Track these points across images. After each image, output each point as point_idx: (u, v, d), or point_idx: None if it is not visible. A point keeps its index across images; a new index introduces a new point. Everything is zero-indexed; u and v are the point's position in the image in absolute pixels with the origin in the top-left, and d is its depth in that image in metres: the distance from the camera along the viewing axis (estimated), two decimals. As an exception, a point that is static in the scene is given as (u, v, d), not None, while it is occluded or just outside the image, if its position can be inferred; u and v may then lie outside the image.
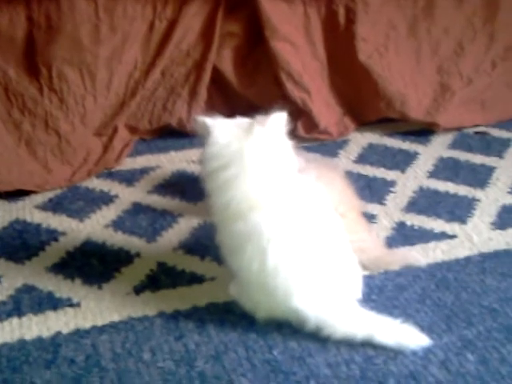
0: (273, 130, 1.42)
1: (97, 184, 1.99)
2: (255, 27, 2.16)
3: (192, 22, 2.10)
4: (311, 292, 1.39)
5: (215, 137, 1.42)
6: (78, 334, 1.44)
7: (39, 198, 1.91)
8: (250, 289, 1.44)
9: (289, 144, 1.46)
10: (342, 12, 2.17)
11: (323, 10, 2.18)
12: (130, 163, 2.10)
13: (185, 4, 2.08)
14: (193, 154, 2.10)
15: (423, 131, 2.28)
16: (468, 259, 1.67)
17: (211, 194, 1.44)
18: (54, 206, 1.89)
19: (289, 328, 1.44)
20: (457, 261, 1.67)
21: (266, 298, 1.42)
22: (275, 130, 1.43)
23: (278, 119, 1.43)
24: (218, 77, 2.21)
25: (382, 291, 1.56)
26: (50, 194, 1.93)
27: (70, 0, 1.94)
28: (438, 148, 2.20)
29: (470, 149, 2.20)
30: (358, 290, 1.49)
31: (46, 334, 1.44)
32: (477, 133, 2.30)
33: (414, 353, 1.38)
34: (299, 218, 1.41)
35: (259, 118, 1.44)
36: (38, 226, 1.80)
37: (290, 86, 2.17)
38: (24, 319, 1.47)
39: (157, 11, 2.07)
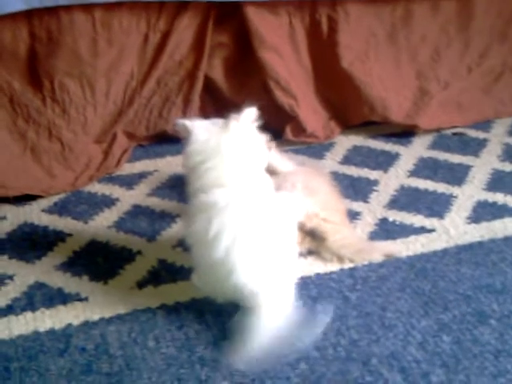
0: (246, 123, 1.54)
1: (98, 188, 2.05)
2: (244, 38, 2.21)
3: (184, 33, 2.15)
4: (252, 269, 1.46)
5: (195, 135, 1.54)
6: (88, 325, 1.51)
7: (45, 202, 1.97)
8: (201, 267, 1.53)
9: (259, 136, 1.58)
10: (324, 21, 2.23)
11: (307, 20, 2.24)
12: (129, 168, 2.15)
13: (177, 17, 2.13)
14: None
15: (404, 133, 2.34)
16: (445, 251, 1.75)
17: (190, 183, 1.55)
18: (60, 209, 1.94)
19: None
20: (435, 253, 1.74)
21: (213, 276, 1.50)
22: (248, 123, 1.54)
23: (250, 114, 1.54)
24: (209, 85, 2.26)
25: (366, 281, 1.64)
26: (55, 199, 1.98)
27: (70, 15, 1.98)
28: (418, 149, 2.27)
29: (448, 149, 2.27)
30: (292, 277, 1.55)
31: (58, 325, 1.51)
32: (454, 134, 2.36)
33: (395, 335, 1.47)
34: (256, 205, 1.49)
35: (233, 115, 1.54)
36: (46, 228, 1.86)
37: (278, 93, 2.23)
38: (37, 313, 1.54)
39: (151, 24, 2.11)
